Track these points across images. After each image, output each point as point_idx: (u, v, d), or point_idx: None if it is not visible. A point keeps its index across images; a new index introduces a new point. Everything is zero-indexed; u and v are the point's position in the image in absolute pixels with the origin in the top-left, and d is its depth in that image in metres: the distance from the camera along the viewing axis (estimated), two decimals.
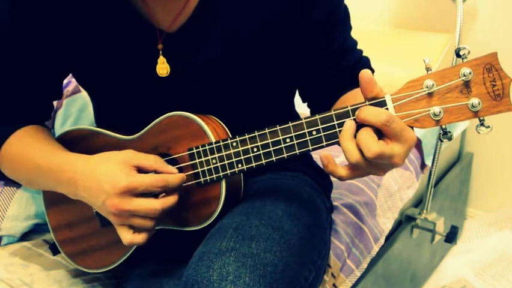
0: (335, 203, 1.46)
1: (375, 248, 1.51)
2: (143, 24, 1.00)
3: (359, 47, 1.12)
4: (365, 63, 1.12)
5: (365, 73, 0.81)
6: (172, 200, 0.93)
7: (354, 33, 1.12)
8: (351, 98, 1.03)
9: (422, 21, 2.22)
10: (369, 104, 0.82)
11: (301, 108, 1.20)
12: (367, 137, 0.79)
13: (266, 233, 0.93)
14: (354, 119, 0.83)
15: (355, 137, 0.82)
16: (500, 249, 2.17)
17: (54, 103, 1.59)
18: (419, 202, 1.96)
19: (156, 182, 0.90)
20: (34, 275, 1.24)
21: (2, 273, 1.24)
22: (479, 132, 0.78)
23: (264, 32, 1.01)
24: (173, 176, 0.93)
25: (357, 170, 0.84)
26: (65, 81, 1.66)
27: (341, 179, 0.85)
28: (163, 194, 0.94)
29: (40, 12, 0.99)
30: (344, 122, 0.83)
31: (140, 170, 0.93)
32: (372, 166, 0.82)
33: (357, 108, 0.82)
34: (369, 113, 0.79)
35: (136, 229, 0.93)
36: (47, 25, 1.01)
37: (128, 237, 0.93)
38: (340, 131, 0.84)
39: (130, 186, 0.88)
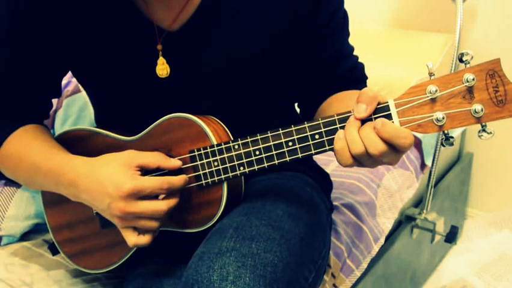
0: (335, 203, 1.46)
1: (375, 248, 1.51)
2: (143, 23, 1.00)
3: (359, 46, 1.13)
4: (360, 69, 1.12)
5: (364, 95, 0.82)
6: (175, 200, 0.93)
7: (354, 33, 1.12)
8: (340, 99, 1.04)
9: (422, 21, 2.22)
10: None
11: None
12: (372, 134, 0.80)
13: (266, 233, 0.93)
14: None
15: None
16: (500, 249, 2.17)
17: (54, 103, 1.59)
18: (419, 202, 1.96)
19: (161, 184, 0.90)
20: (34, 275, 1.25)
21: (2, 273, 1.24)
22: (481, 138, 0.78)
23: (267, 32, 1.01)
24: (177, 178, 0.93)
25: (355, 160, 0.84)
26: (65, 81, 1.66)
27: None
28: (164, 196, 0.94)
29: (40, 10, 0.99)
30: None
31: (144, 169, 0.94)
32: (369, 160, 0.83)
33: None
34: (399, 136, 0.79)
35: (140, 231, 0.93)
36: (46, 23, 1.00)
37: (133, 239, 0.93)
38: None
39: (135, 189, 0.89)
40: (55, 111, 1.61)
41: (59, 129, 1.59)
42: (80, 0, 0.99)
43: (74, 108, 1.59)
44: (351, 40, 1.12)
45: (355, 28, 1.12)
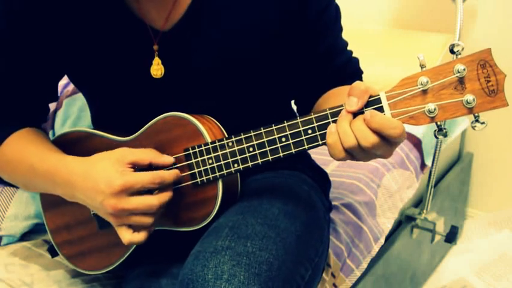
0: (334, 203, 1.46)
1: (375, 248, 1.51)
2: (137, 24, 1.00)
3: (359, 46, 1.12)
4: (354, 63, 1.12)
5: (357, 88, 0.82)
6: (168, 194, 0.93)
7: (354, 33, 1.12)
8: (336, 94, 1.04)
9: (422, 21, 2.22)
10: None
11: None
12: (363, 126, 0.80)
13: (262, 232, 0.93)
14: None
15: None
16: (500, 249, 2.16)
17: (54, 104, 1.60)
18: (419, 202, 1.96)
19: (152, 179, 0.91)
20: (34, 275, 1.25)
21: (2, 273, 1.24)
22: (474, 129, 0.78)
23: (259, 30, 1.01)
24: (168, 172, 0.94)
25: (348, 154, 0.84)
26: (65, 81, 1.67)
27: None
28: (157, 191, 0.94)
29: (34, 11, 0.99)
30: None
31: (136, 166, 0.94)
32: (362, 153, 0.83)
33: None
34: (389, 126, 0.79)
35: (135, 228, 0.93)
36: (41, 24, 1.00)
37: (127, 236, 0.93)
38: None
39: (126, 185, 0.89)
40: (55, 111, 1.61)
41: (59, 129, 1.59)
42: (74, 2, 1.00)
43: (74, 108, 1.60)
44: (352, 40, 1.12)
45: (355, 28, 1.12)
